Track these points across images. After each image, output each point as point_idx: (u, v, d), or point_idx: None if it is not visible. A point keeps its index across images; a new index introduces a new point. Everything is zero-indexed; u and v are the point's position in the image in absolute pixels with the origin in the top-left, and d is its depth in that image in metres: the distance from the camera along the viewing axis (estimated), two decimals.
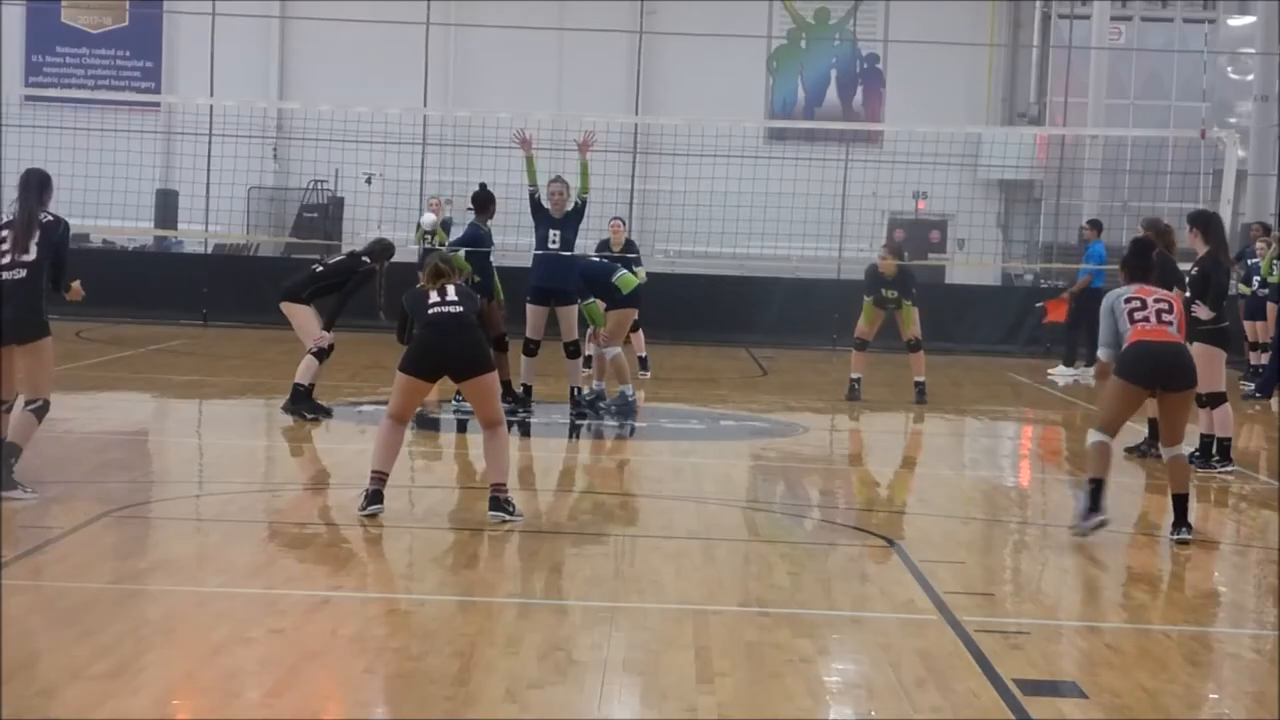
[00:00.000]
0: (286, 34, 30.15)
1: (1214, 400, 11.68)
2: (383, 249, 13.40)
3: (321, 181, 27.99)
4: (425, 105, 27.62)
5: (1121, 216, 29.44)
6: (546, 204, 13.89)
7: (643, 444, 13.15)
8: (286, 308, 13.03)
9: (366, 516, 8.70)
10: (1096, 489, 8.84)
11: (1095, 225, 21.71)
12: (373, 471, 8.84)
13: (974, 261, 27.68)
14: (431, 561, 8.08)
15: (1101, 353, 9.22)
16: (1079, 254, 27.35)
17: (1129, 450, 12.22)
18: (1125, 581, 8.29)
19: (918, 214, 28.91)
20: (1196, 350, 11.65)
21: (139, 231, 26.32)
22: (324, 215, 28.11)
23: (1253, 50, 29.03)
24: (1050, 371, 20.23)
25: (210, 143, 26.48)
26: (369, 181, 26.09)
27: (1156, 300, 9.02)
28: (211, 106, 26.58)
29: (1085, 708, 5.72)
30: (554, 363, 14.90)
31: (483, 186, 14.26)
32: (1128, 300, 9.03)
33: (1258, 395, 17.56)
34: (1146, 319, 8.92)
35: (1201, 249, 11.65)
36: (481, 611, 6.89)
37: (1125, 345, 8.92)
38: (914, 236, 28.46)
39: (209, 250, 27.35)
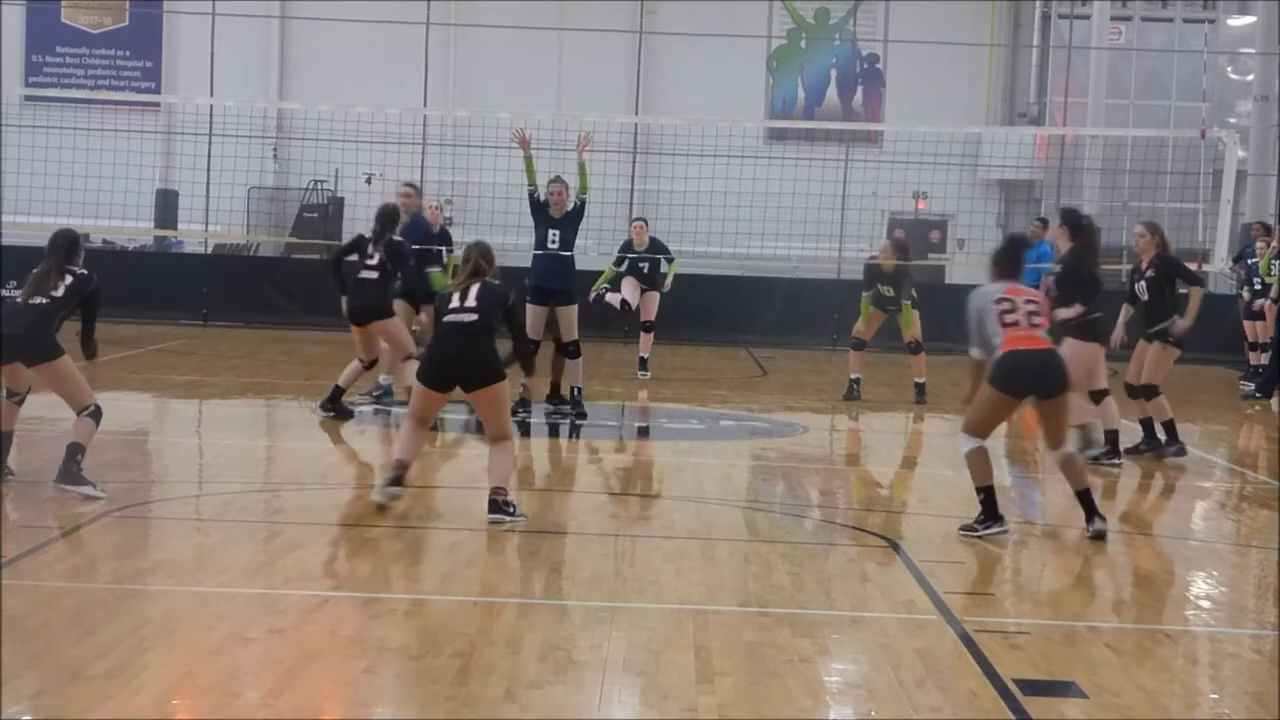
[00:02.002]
0: (286, 34, 30.14)
1: (1096, 397, 11.70)
2: (388, 215, 13.14)
3: (321, 181, 27.97)
4: (425, 105, 27.61)
5: (1121, 216, 29.44)
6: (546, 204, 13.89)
7: (643, 444, 13.15)
8: (380, 327, 12.74)
9: (385, 499, 8.88)
10: (988, 498, 8.84)
11: (1045, 223, 21.51)
12: (395, 460, 9.03)
13: (974, 261, 27.64)
14: (431, 561, 8.08)
15: (975, 352, 9.03)
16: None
17: (1129, 450, 12.23)
18: (1125, 581, 8.28)
19: (918, 214, 28.91)
20: (1069, 347, 11.63)
21: (139, 231, 26.31)
22: (324, 215, 28.10)
23: (1253, 50, 29.01)
24: None
25: (210, 143, 26.48)
26: (369, 181, 26.08)
27: (1027, 301, 8.91)
28: (211, 106, 26.57)
29: (1085, 708, 5.72)
30: None
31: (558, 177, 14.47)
32: (998, 301, 8.88)
33: (1258, 395, 17.56)
34: (1017, 323, 8.79)
35: (1065, 246, 11.73)
36: (481, 611, 6.89)
37: (1000, 352, 8.79)
38: (914, 236, 28.43)
39: (209, 250, 27.35)
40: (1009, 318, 8.82)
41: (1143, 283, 12.21)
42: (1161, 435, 12.32)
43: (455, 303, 8.92)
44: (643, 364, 17.70)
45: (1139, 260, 12.47)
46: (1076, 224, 11.85)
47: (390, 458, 9.29)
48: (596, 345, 17.70)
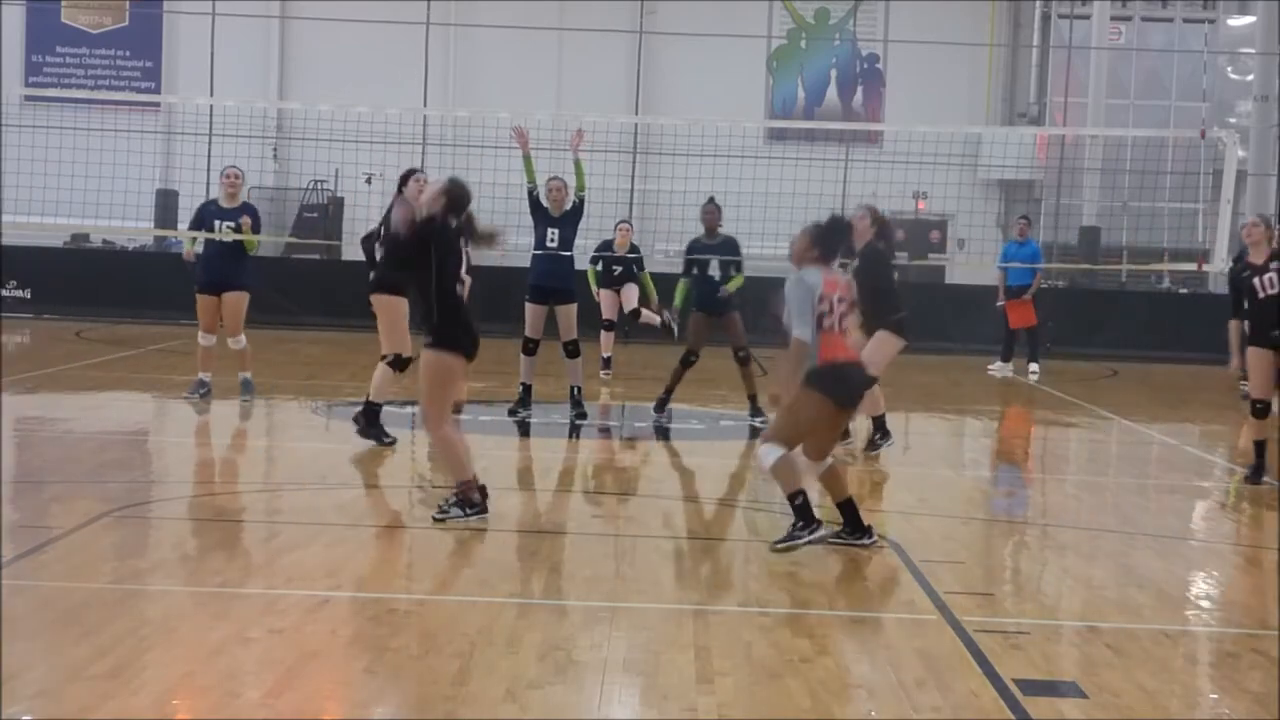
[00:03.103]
0: (286, 34, 30.16)
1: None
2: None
3: (321, 181, 27.99)
4: (425, 105, 27.63)
5: (1121, 216, 29.46)
6: (545, 203, 13.89)
7: (643, 444, 13.14)
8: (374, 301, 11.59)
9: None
10: (804, 503, 8.19)
11: (1028, 220, 21.32)
12: (467, 483, 8.74)
13: (974, 261, 27.67)
14: (431, 561, 8.08)
15: (802, 332, 8.19)
16: (1080, 254, 27.40)
17: (1247, 480, 11.78)
18: (1125, 581, 8.27)
19: (918, 214, 28.91)
20: (881, 339, 11.56)
21: (139, 231, 26.31)
22: (324, 215, 28.12)
23: (1253, 50, 29.04)
24: (990, 367, 20.36)
25: (210, 143, 26.49)
26: (369, 181, 26.10)
27: (840, 300, 8.35)
28: (211, 106, 26.59)
29: (1085, 708, 5.72)
30: (554, 363, 14.90)
31: (711, 200, 14.95)
32: (820, 299, 8.25)
33: None
34: (832, 327, 8.26)
35: (863, 239, 11.56)
36: (481, 611, 6.89)
37: (822, 360, 8.18)
38: (914, 236, 28.46)
39: None
40: (826, 320, 8.25)
41: (1273, 275, 11.35)
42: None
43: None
44: (606, 363, 17.72)
45: (1243, 256, 11.53)
46: (879, 215, 11.73)
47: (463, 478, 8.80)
48: (595, 345, 17.67)
